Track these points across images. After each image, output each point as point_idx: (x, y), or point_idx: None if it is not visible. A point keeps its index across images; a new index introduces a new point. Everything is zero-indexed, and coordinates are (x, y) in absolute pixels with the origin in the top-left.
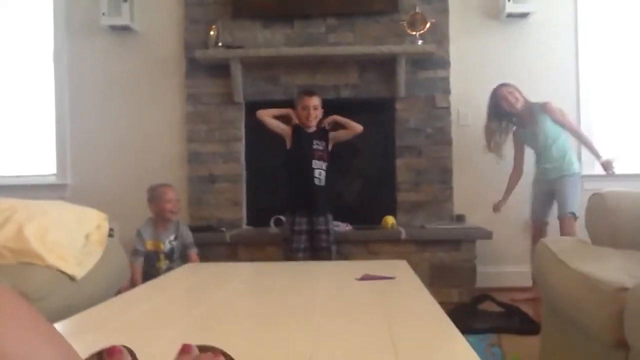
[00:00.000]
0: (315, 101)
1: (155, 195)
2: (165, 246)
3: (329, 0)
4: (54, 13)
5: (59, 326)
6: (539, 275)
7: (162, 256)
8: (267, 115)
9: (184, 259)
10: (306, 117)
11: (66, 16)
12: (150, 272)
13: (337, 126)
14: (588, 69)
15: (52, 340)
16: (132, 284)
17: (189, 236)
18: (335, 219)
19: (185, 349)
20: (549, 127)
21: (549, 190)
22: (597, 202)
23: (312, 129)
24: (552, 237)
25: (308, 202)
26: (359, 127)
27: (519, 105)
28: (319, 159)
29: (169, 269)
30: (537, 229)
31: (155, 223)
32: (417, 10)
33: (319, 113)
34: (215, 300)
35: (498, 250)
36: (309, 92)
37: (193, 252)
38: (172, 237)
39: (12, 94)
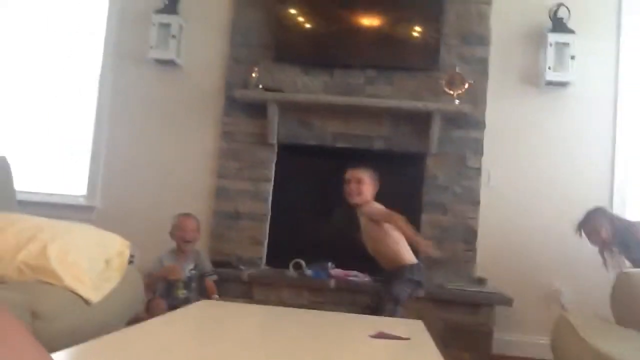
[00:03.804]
0: (357, 174)
1: (175, 224)
2: (184, 275)
3: (370, 52)
4: (105, 41)
5: (69, 352)
6: (556, 348)
7: (180, 284)
8: None
9: (201, 289)
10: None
11: (116, 45)
12: (168, 299)
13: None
14: (625, 144)
15: None
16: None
17: (207, 265)
18: (354, 269)
19: None
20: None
21: None
22: (624, 282)
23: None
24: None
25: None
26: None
27: (603, 239)
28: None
29: (186, 298)
30: None
31: (176, 252)
32: (457, 70)
33: (365, 189)
34: (224, 343)
35: (519, 318)
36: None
37: (210, 279)
38: (191, 267)
39: (55, 112)
